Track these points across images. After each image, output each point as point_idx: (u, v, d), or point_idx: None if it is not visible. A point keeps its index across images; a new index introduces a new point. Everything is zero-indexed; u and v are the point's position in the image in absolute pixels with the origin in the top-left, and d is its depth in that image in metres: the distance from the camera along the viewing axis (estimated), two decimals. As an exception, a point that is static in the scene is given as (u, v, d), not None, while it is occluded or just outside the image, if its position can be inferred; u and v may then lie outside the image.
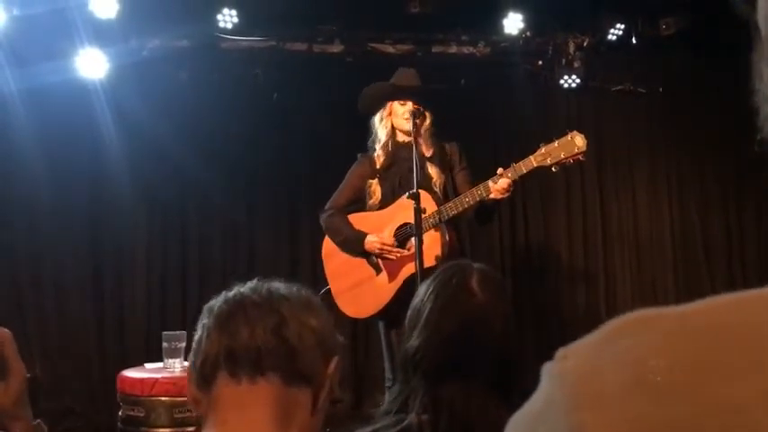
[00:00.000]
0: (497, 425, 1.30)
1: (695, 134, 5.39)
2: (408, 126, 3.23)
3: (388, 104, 3.36)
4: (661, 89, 5.39)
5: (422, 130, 3.33)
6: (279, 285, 1.11)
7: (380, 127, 3.37)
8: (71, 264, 4.77)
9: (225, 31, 4.63)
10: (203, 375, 1.05)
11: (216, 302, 1.11)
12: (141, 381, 3.23)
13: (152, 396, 3.15)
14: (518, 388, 1.39)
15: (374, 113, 3.41)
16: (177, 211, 4.98)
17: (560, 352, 0.38)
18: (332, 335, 1.11)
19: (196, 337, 1.09)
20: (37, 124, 4.54)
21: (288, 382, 1.03)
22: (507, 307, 1.49)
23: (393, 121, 3.35)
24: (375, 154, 3.39)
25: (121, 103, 4.65)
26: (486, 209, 3.20)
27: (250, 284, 1.11)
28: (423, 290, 1.49)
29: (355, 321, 4.76)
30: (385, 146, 3.35)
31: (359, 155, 3.48)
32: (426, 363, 1.39)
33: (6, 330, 1.00)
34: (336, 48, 4.92)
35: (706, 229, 5.48)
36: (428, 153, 3.34)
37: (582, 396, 0.34)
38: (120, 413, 3.32)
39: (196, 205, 4.99)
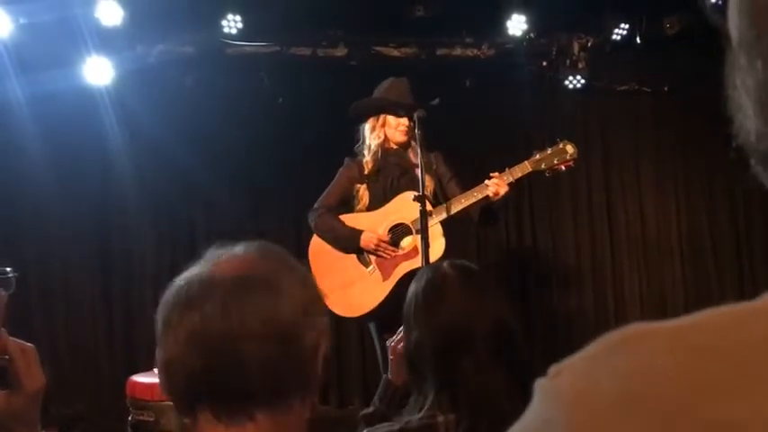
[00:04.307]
0: (510, 395, 1.35)
1: (701, 133, 5.37)
2: (400, 137, 3.37)
3: (382, 116, 3.42)
4: (666, 88, 5.38)
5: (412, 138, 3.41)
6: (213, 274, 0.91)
7: (372, 136, 3.44)
8: (79, 269, 4.80)
9: (229, 36, 4.65)
10: (184, 402, 0.92)
11: (175, 298, 0.91)
12: (151, 386, 3.24)
13: (162, 401, 3.16)
14: (518, 359, 1.48)
15: (365, 121, 3.48)
16: (184, 215, 5.00)
17: (554, 368, 0.37)
18: (305, 313, 0.93)
19: (161, 356, 0.93)
20: (44, 131, 4.57)
21: (277, 408, 0.90)
22: (484, 290, 1.57)
23: (386, 131, 3.42)
24: (364, 160, 3.46)
25: (127, 110, 4.67)
26: (489, 211, 3.25)
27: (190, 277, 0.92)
28: (409, 295, 1.61)
29: (362, 326, 4.78)
30: (375, 153, 3.42)
31: (346, 159, 3.54)
32: (430, 348, 1.47)
33: (18, 344, 0.98)
34: (341, 52, 4.93)
35: (714, 229, 5.45)
36: (416, 160, 3.38)
37: (579, 416, 0.34)
38: (129, 418, 3.33)
39: (203, 209, 5.01)
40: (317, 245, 3.46)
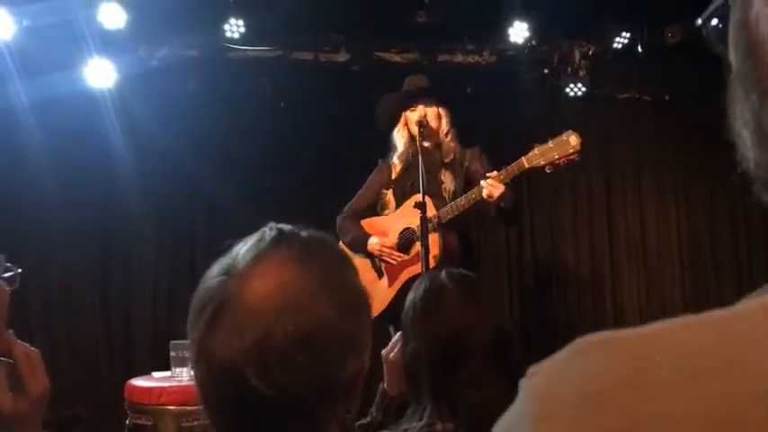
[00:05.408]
0: (509, 404, 1.35)
1: (702, 142, 5.38)
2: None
3: (403, 116, 3.39)
4: (667, 97, 5.39)
5: (441, 135, 3.37)
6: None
7: (398, 138, 3.42)
8: (80, 273, 4.79)
9: (232, 40, 4.66)
10: (213, 423, 0.89)
11: (205, 318, 0.85)
12: (149, 390, 3.24)
13: (160, 405, 3.16)
14: (517, 367, 1.46)
15: (393, 128, 3.46)
16: (186, 219, 5.00)
17: (532, 369, 0.43)
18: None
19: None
20: (46, 134, 4.57)
21: None
22: (483, 299, 1.58)
23: (411, 129, 3.39)
24: (392, 162, 3.45)
25: (130, 113, 4.67)
26: (501, 211, 3.21)
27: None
28: (407, 304, 1.61)
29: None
30: (403, 154, 3.41)
31: (380, 161, 3.53)
32: (427, 358, 1.46)
33: (23, 347, 0.97)
34: (343, 57, 4.94)
35: (713, 237, 5.46)
36: (447, 159, 3.38)
37: (545, 409, 0.39)
38: (127, 422, 3.32)
39: (204, 213, 5.00)
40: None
